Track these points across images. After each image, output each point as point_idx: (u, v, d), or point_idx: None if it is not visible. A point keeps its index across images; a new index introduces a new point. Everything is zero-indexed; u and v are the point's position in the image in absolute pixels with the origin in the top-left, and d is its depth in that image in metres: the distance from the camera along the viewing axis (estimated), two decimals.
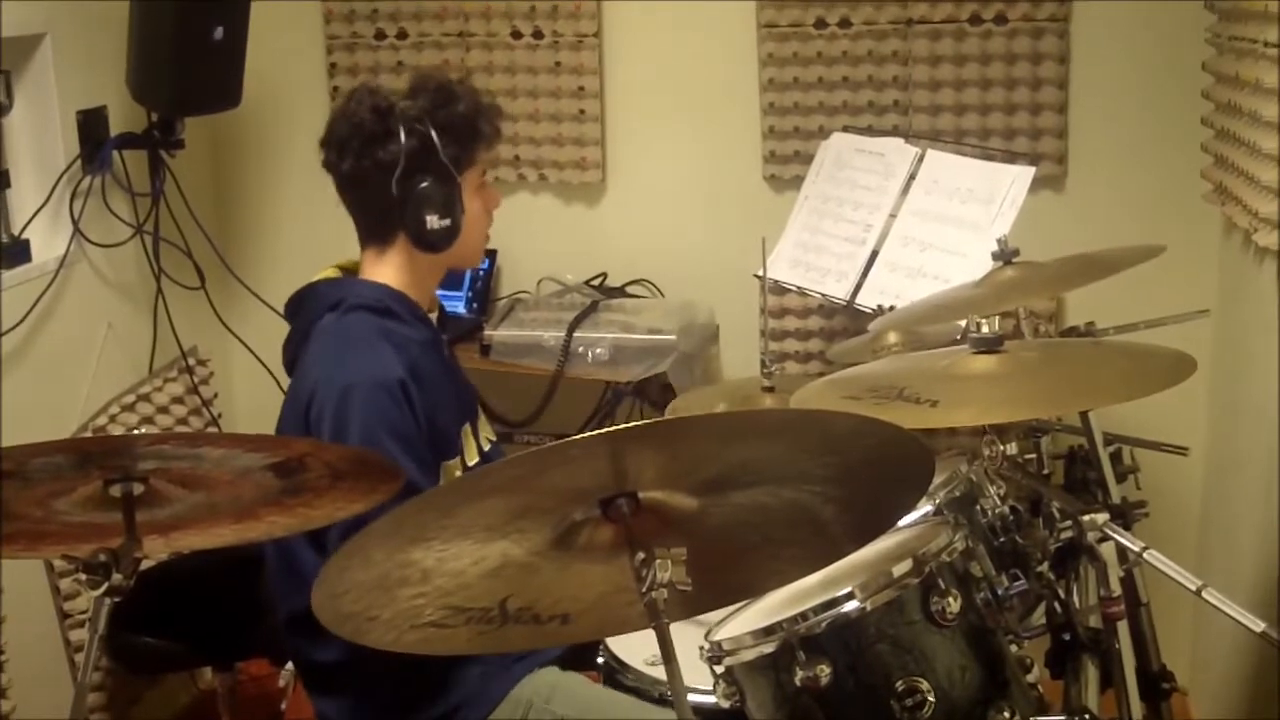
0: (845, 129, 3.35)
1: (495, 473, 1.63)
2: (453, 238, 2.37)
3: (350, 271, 2.45)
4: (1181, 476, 3.25)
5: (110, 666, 3.17)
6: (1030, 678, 2.01)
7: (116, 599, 1.65)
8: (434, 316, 2.48)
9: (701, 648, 1.99)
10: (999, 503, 2.25)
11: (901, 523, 2.04)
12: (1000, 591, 1.97)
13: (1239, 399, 3.08)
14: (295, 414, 2.28)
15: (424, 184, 2.33)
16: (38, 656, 3.05)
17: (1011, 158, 3.12)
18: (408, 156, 2.30)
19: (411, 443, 2.25)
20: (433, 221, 2.34)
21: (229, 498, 1.76)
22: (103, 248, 3.35)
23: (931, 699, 1.85)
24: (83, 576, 1.64)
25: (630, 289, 3.68)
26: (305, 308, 2.40)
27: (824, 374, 2.82)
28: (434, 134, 2.32)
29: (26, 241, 3.17)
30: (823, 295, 3.12)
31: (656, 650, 1.60)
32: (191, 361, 3.66)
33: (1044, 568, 2.20)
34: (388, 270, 2.40)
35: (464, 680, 2.30)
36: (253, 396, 3.87)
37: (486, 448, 2.50)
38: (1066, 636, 2.29)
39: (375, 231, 2.40)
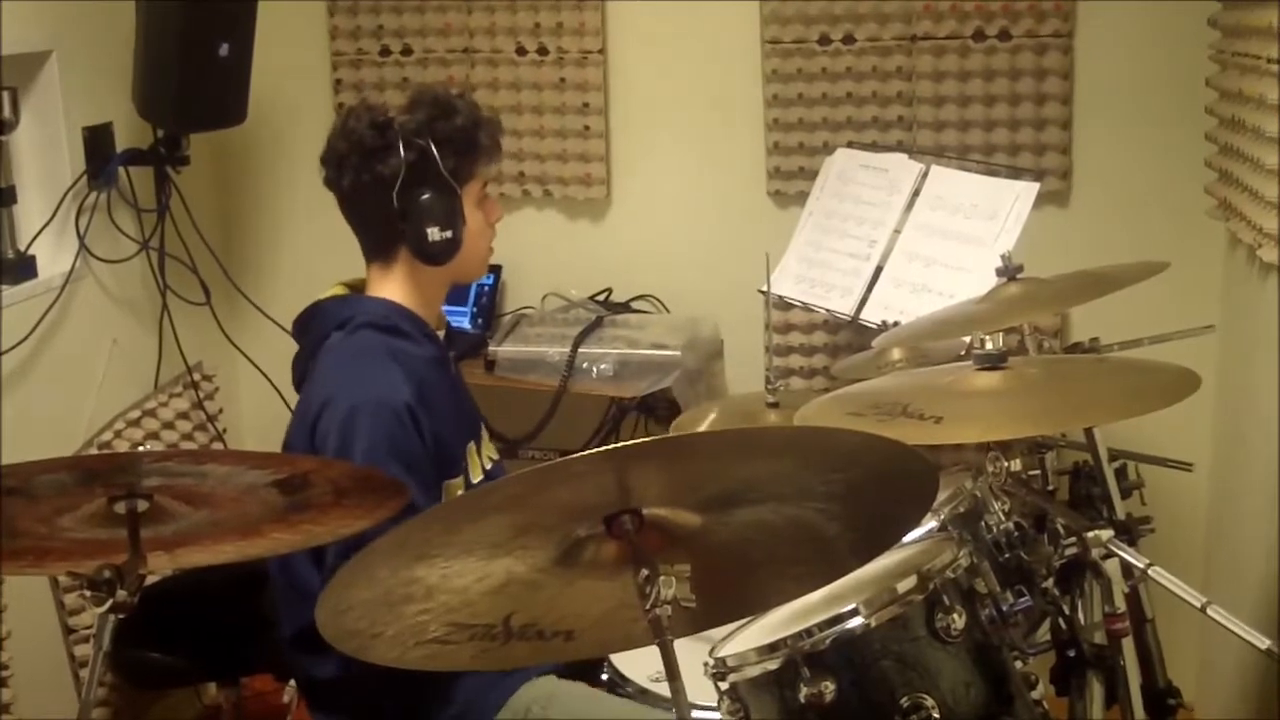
0: (849, 145, 3.36)
1: (499, 489, 1.64)
2: (454, 250, 2.37)
3: (356, 289, 2.45)
4: (1186, 492, 3.25)
5: (115, 682, 3.18)
6: (1035, 694, 2.01)
7: (121, 615, 1.65)
8: (441, 334, 2.49)
9: (706, 664, 1.99)
10: (1004, 519, 2.24)
11: (906, 539, 2.04)
12: (1005, 608, 1.97)
13: (1244, 414, 3.08)
14: (302, 431, 2.29)
15: (424, 196, 2.33)
16: (42, 671, 3.06)
17: (1016, 173, 3.13)
18: (408, 169, 2.31)
19: (415, 465, 2.25)
20: (434, 234, 2.35)
21: (233, 514, 1.76)
22: (108, 263, 3.36)
23: (936, 715, 1.85)
24: (87, 592, 1.64)
25: (635, 304, 3.69)
26: (313, 326, 2.41)
27: (828, 390, 2.82)
28: (433, 147, 2.32)
29: (32, 257, 3.18)
30: (827, 311, 3.12)
31: (660, 667, 1.60)
32: (197, 377, 3.66)
33: (1049, 584, 2.19)
34: (393, 285, 2.40)
35: (463, 689, 2.30)
36: (258, 411, 3.88)
37: (489, 466, 2.50)
38: (1071, 653, 2.28)
39: (378, 246, 2.41)
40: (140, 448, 3.25)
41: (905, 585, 1.88)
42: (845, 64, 3.46)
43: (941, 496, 2.28)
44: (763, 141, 3.57)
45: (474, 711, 2.31)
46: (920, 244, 3.00)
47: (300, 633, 2.24)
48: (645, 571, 1.58)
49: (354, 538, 1.75)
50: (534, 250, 3.70)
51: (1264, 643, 1.85)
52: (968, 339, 2.43)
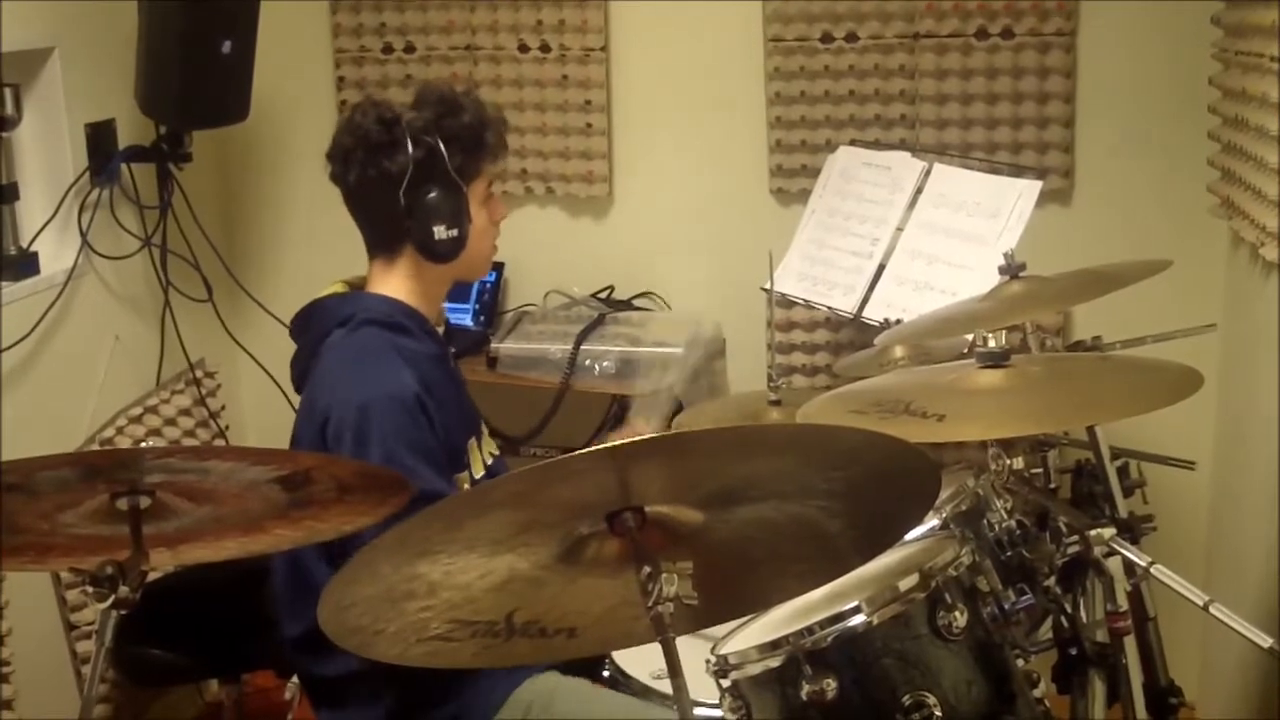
0: (852, 143, 3.35)
1: (501, 487, 1.63)
2: (460, 248, 2.37)
3: (357, 286, 2.45)
4: (1189, 490, 3.25)
5: (116, 678, 3.17)
6: (1037, 693, 2.01)
7: (123, 612, 1.65)
8: (440, 330, 2.48)
9: (708, 661, 1.99)
10: (1006, 517, 2.24)
11: (908, 537, 2.04)
12: (1007, 606, 1.97)
13: (1246, 413, 3.08)
14: (311, 431, 2.28)
15: (431, 194, 2.33)
16: (44, 668, 3.06)
17: (1018, 171, 3.12)
18: (415, 167, 2.31)
19: (431, 455, 2.25)
20: (440, 232, 2.34)
21: (235, 511, 1.76)
22: (110, 260, 3.35)
23: (938, 714, 1.85)
24: (89, 588, 1.64)
25: (637, 302, 3.69)
26: (313, 324, 2.40)
27: (830, 388, 2.82)
28: (440, 144, 2.32)
29: (35, 254, 3.18)
30: (829, 309, 3.12)
31: (662, 664, 1.60)
32: (199, 374, 3.66)
33: (1051, 582, 2.19)
34: (395, 282, 2.40)
35: (465, 685, 2.30)
36: (260, 408, 3.88)
37: (490, 461, 2.50)
38: (1073, 651, 2.28)
39: (383, 242, 2.41)
40: (142, 444, 3.27)
41: (907, 583, 1.88)
42: (848, 62, 3.45)
43: (943, 494, 2.28)
44: (765, 139, 3.56)
45: (476, 708, 2.31)
46: (923, 242, 3.00)
47: (309, 630, 2.23)
48: (647, 569, 1.58)
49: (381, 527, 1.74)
50: (536, 248, 3.70)
51: (1266, 641, 1.85)
52: (970, 337, 2.43)
